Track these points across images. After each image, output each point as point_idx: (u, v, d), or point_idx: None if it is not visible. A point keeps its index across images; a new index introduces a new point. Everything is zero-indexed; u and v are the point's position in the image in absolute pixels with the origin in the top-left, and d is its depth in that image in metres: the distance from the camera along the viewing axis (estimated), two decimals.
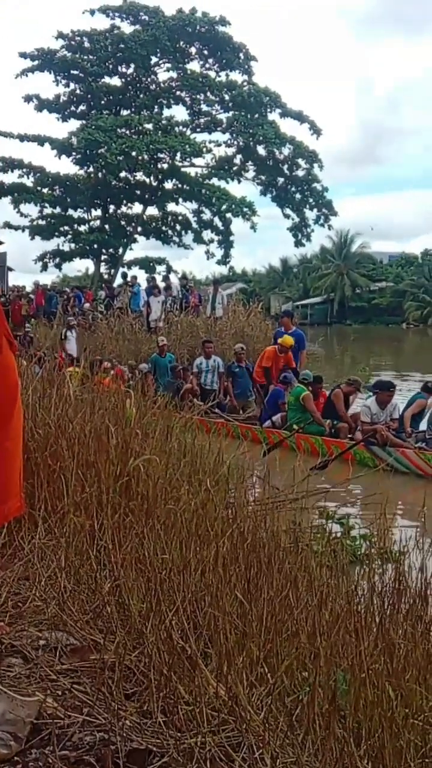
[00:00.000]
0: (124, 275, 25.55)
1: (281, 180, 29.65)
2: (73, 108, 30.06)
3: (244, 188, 78.12)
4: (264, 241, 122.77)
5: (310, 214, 30.19)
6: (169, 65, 29.83)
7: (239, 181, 30.33)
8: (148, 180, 30.10)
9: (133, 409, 4.32)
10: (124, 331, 18.55)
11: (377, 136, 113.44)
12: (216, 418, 11.08)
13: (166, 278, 24.99)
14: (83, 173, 29.64)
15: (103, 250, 31.05)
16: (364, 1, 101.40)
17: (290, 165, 29.27)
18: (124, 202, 31.33)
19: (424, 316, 51.36)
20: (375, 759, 1.80)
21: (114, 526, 3.00)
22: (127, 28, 29.08)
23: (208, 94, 29.56)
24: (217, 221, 29.97)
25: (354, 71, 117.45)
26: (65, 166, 52.41)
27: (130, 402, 4.44)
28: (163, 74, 30.31)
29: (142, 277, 26.05)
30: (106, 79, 30.07)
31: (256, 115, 28.52)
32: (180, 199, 30.46)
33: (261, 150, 29.19)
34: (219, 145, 29.84)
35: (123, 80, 30.23)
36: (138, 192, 30.64)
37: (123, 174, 29.27)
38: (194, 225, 30.76)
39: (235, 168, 30.03)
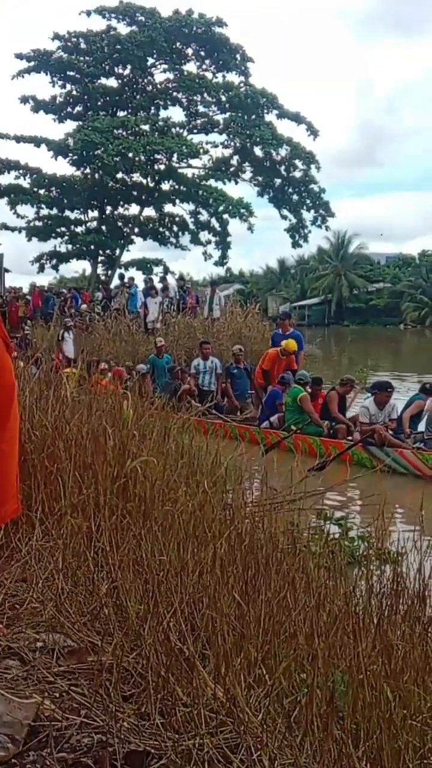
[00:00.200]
0: (121, 276, 25.56)
1: (278, 181, 29.69)
2: (69, 109, 30.07)
3: (241, 189, 78.36)
4: (261, 242, 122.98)
5: (308, 216, 30.30)
6: (165, 66, 29.85)
7: (236, 183, 30.39)
8: (144, 181, 30.12)
9: (131, 411, 4.31)
10: (121, 333, 18.55)
11: (375, 137, 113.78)
12: (213, 419, 11.07)
13: (163, 279, 24.97)
14: (80, 174, 29.67)
15: (100, 252, 31.05)
16: (363, 2, 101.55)
17: (287, 166, 29.31)
18: (121, 203, 31.35)
19: (421, 317, 51.43)
20: (373, 760, 1.80)
21: (111, 527, 3.00)
22: (123, 29, 29.16)
23: (205, 95, 29.59)
24: (214, 222, 30.02)
25: (353, 72, 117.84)
26: (62, 168, 52.48)
27: (127, 403, 4.43)
28: (160, 75, 30.41)
29: (139, 278, 26.13)
30: (103, 81, 30.09)
31: (253, 117, 28.56)
32: (177, 201, 30.50)
33: (258, 151, 29.23)
34: (216, 146, 29.92)
35: (119, 81, 30.25)
36: (135, 193, 30.67)
37: (120, 175, 29.28)
38: (191, 226, 30.80)
39: (232, 169, 30.05)
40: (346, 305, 54.77)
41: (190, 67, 29.87)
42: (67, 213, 30.68)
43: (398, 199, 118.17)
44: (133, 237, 31.64)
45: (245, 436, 10.01)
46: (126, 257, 32.01)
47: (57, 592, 2.50)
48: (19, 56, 28.39)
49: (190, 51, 29.63)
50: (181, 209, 30.97)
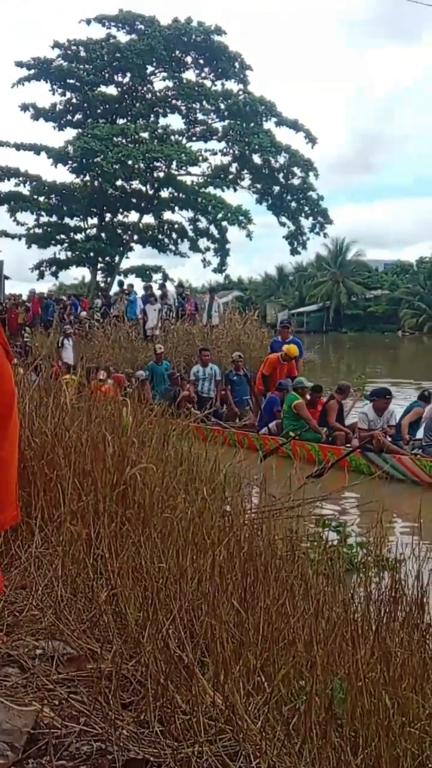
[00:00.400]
0: (121, 283, 25.58)
1: (277, 188, 29.77)
2: (69, 117, 30.16)
3: (240, 197, 78.29)
4: (260, 250, 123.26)
5: (306, 223, 30.36)
6: (164, 74, 29.97)
7: (235, 190, 30.47)
8: (144, 188, 30.18)
9: (130, 418, 4.32)
10: (121, 339, 18.57)
11: (373, 143, 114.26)
12: (212, 425, 11.08)
13: (162, 286, 25.01)
14: (79, 182, 29.73)
15: (100, 259, 31.10)
16: (361, 8, 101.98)
17: (286, 173, 29.39)
18: (120, 210, 31.41)
19: (419, 323, 51.54)
20: (372, 767, 1.80)
21: (111, 534, 3.00)
22: (123, 37, 29.28)
23: (204, 103, 29.70)
24: (213, 229, 30.07)
25: (350, 78, 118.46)
26: (61, 175, 52.57)
27: (126, 410, 4.44)
28: (159, 83, 30.52)
29: (138, 285, 26.10)
30: (102, 88, 30.19)
31: (252, 124, 28.67)
32: (176, 208, 30.54)
33: (256, 159, 29.32)
34: (215, 153, 30.00)
35: (119, 89, 30.36)
36: (134, 200, 30.74)
37: (119, 182, 29.34)
38: (190, 233, 30.85)
39: (230, 176, 30.14)
40: (344, 312, 54.88)
41: (189, 75, 30.04)
42: (67, 220, 30.74)
43: (396, 205, 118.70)
44: (133, 244, 31.71)
45: (244, 443, 10.02)
46: (125, 264, 32.10)
47: (56, 599, 2.50)
48: (20, 64, 28.53)
49: (189, 59, 29.77)
50: (180, 216, 31.09)
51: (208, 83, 29.71)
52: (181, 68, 29.83)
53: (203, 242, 30.56)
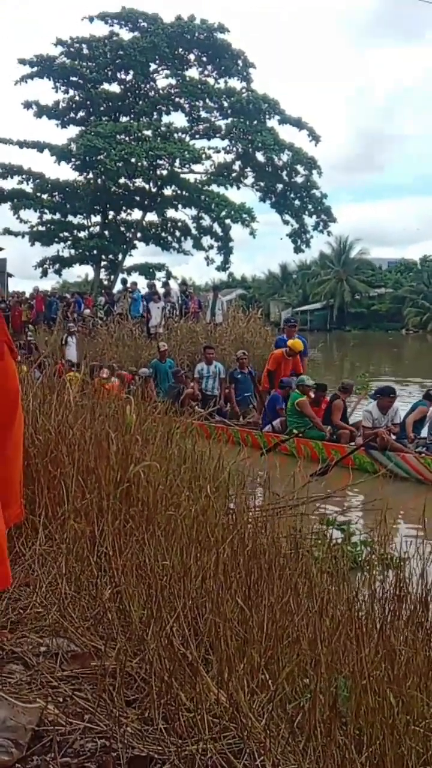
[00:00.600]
0: (124, 281, 25.56)
1: (280, 186, 29.69)
2: (72, 114, 30.12)
3: (244, 194, 78.37)
4: (263, 248, 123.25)
5: (309, 221, 30.25)
6: (167, 72, 29.90)
7: (238, 188, 30.38)
8: (147, 186, 30.14)
9: (133, 416, 4.32)
10: (124, 337, 18.56)
11: (376, 142, 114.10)
12: (216, 423, 11.08)
13: (165, 284, 25.01)
14: (83, 179, 29.69)
15: (103, 256, 31.08)
16: (363, 7, 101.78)
17: (289, 171, 29.32)
18: (124, 208, 31.37)
19: (423, 322, 51.45)
20: (376, 766, 1.80)
21: (114, 532, 3.00)
22: (125, 34, 29.21)
23: (207, 100, 29.62)
24: (216, 227, 30.00)
25: (353, 77, 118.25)
26: (65, 173, 52.44)
27: (130, 408, 4.44)
28: (162, 81, 30.43)
29: (141, 283, 26.08)
30: (105, 86, 30.14)
31: (255, 122, 28.59)
32: (179, 206, 30.49)
33: (260, 156, 29.24)
34: (218, 151, 29.89)
35: (122, 87, 30.31)
36: (137, 198, 30.69)
37: (122, 180, 29.29)
38: (193, 231, 30.80)
39: (234, 174, 30.07)
40: (347, 310, 54.81)
41: (193, 72, 29.95)
42: (70, 218, 30.71)
43: (399, 203, 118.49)
44: (136, 242, 31.66)
45: (248, 441, 10.02)
46: (128, 262, 32.07)
47: (60, 596, 2.50)
48: (22, 62, 28.49)
49: (192, 57, 29.69)
50: (183, 214, 31.02)
51: (211, 81, 29.65)
52: (184, 66, 29.76)
53: (206, 240, 30.53)
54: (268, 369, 12.07)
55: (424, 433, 9.74)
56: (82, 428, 3.81)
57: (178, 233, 31.44)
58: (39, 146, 28.68)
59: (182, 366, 14.99)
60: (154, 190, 30.06)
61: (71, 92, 29.70)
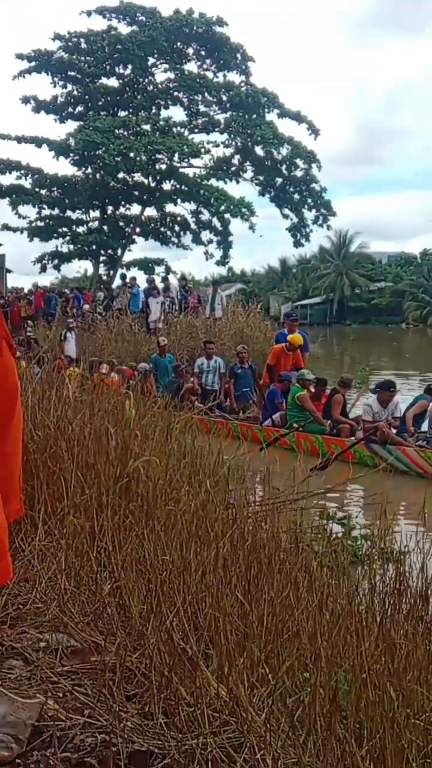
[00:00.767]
0: (123, 276, 25.54)
1: (279, 180, 29.65)
2: (70, 109, 30.05)
3: (243, 189, 78.32)
4: (263, 242, 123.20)
5: (309, 215, 30.24)
6: (166, 66, 29.82)
7: (237, 182, 30.34)
8: (146, 181, 30.10)
9: (133, 410, 4.31)
10: (124, 333, 18.55)
11: (376, 136, 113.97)
12: (216, 418, 11.08)
13: (165, 279, 24.95)
14: (81, 174, 29.63)
15: (102, 252, 31.04)
16: (363, 2, 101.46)
17: (288, 165, 29.26)
18: (123, 203, 31.33)
19: (423, 315, 51.41)
20: (377, 759, 1.80)
21: (114, 527, 3.00)
22: (124, 29, 29.12)
23: (206, 94, 29.55)
24: (215, 222, 29.97)
25: (353, 72, 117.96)
26: (63, 168, 52.35)
27: (129, 403, 4.43)
28: (161, 75, 30.37)
29: (141, 278, 26.09)
30: (104, 80, 30.06)
31: (254, 116, 28.51)
32: (178, 200, 30.46)
33: (259, 150, 29.18)
34: (217, 145, 29.86)
35: (120, 81, 30.23)
36: (136, 193, 30.65)
37: (121, 175, 29.26)
38: (193, 226, 30.78)
39: (233, 168, 30.02)
40: (347, 304, 54.76)
41: (191, 66, 29.89)
42: (69, 213, 30.67)
43: (399, 197, 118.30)
44: (135, 237, 31.63)
45: (248, 435, 10.02)
46: (128, 257, 32.05)
47: (60, 592, 2.50)
48: (20, 56, 28.42)
49: (190, 50, 29.61)
50: (182, 209, 31.00)
51: (209, 75, 29.58)
52: (183, 60, 29.68)
53: (206, 235, 30.52)
54: (268, 364, 12.08)
55: (425, 427, 9.75)
56: (82, 424, 3.81)
57: (177, 228, 31.41)
58: (37, 141, 28.60)
59: (182, 361, 14.99)
60: (153, 184, 30.02)
61: (69, 87, 29.65)
